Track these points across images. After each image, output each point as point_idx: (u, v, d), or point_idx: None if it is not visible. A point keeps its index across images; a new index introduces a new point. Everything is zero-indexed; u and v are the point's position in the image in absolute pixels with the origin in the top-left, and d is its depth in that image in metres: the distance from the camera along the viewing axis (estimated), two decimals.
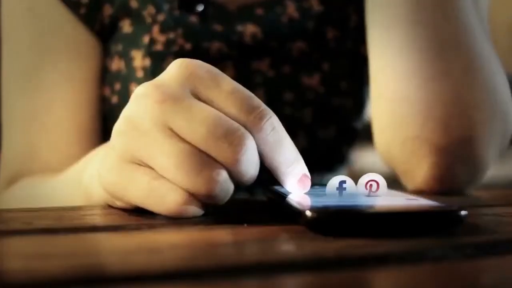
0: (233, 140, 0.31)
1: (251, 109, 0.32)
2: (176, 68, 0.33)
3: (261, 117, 0.32)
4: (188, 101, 0.32)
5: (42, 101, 0.55)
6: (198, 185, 0.31)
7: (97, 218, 0.35)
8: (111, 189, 0.34)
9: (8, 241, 0.28)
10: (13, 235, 0.29)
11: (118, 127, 0.33)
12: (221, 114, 0.31)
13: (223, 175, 0.31)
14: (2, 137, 0.58)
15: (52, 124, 0.56)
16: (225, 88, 0.32)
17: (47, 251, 0.26)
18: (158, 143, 0.31)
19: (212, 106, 0.32)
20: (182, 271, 0.22)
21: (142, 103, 0.32)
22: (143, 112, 0.32)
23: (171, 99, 0.32)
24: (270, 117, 0.32)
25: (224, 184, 0.31)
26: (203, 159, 0.31)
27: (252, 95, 0.33)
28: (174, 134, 0.31)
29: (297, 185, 0.33)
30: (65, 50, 0.56)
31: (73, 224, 0.32)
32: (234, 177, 0.32)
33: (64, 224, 0.32)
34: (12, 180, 0.56)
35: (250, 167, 0.32)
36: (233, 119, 0.32)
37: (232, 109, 0.32)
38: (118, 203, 0.35)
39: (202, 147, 0.31)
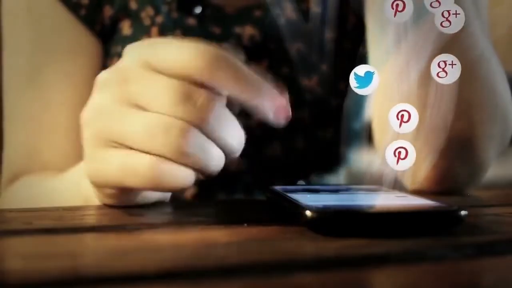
0: (197, 100, 0.31)
1: (201, 67, 0.32)
2: (130, 51, 0.35)
3: (211, 66, 0.32)
4: (149, 74, 0.32)
5: (43, 101, 0.55)
6: (168, 145, 0.31)
7: (97, 218, 0.35)
8: (93, 177, 0.34)
9: (8, 241, 0.28)
10: (13, 235, 0.29)
11: (85, 117, 0.34)
12: (182, 81, 0.32)
13: (194, 132, 0.31)
14: (4, 136, 0.58)
15: (52, 123, 0.56)
16: (175, 59, 0.33)
17: (47, 251, 0.26)
18: (125, 118, 0.32)
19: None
20: (182, 271, 0.22)
21: (105, 89, 0.33)
22: (108, 95, 0.33)
23: (132, 77, 0.33)
24: (220, 63, 0.32)
25: (198, 142, 0.31)
26: (171, 122, 0.31)
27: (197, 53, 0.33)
28: (140, 107, 0.32)
29: (276, 111, 0.34)
30: (66, 51, 0.56)
31: (73, 224, 0.32)
32: (213, 140, 0.32)
33: (64, 224, 0.32)
34: (14, 179, 0.56)
35: (223, 125, 0.32)
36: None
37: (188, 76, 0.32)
38: (108, 191, 0.35)
39: (170, 112, 0.31)
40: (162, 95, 0.32)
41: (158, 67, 0.33)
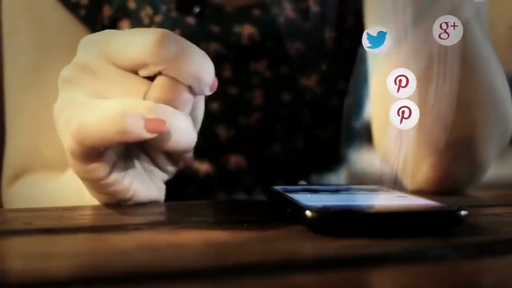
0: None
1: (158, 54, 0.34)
2: (85, 44, 0.36)
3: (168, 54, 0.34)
4: (108, 66, 0.34)
5: (44, 100, 0.55)
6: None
7: (97, 218, 0.35)
8: (71, 153, 0.35)
9: (8, 241, 0.28)
10: (13, 235, 0.29)
11: (56, 110, 0.35)
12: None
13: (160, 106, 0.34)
14: (6, 135, 0.59)
15: (52, 123, 0.56)
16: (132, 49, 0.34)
17: (47, 251, 0.26)
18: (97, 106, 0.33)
19: None
20: (182, 271, 0.22)
21: (70, 85, 0.35)
22: (76, 90, 0.34)
23: (95, 71, 0.34)
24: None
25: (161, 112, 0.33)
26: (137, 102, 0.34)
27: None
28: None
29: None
30: (66, 51, 0.56)
31: (73, 224, 0.32)
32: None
33: (64, 224, 0.32)
34: (15, 178, 0.56)
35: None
36: None
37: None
38: (89, 174, 0.35)
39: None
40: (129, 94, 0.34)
41: (116, 58, 0.34)
